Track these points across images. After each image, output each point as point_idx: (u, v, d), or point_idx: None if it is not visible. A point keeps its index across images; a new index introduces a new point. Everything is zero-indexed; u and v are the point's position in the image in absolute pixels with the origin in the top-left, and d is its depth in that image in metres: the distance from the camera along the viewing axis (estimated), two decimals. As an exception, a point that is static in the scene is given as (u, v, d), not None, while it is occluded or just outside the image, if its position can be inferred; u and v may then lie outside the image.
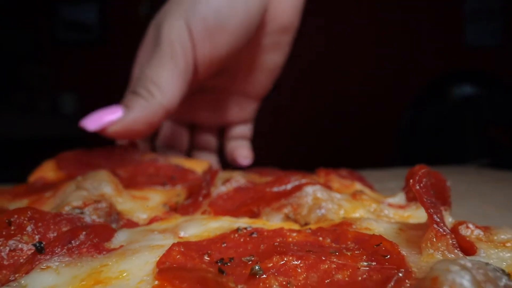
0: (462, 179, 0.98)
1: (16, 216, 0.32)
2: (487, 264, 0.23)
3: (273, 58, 0.75)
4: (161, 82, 0.61)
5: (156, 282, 0.26)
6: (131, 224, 0.41)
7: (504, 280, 0.21)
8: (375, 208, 0.45)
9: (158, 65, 0.61)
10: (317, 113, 3.80)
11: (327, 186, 0.51)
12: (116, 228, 0.37)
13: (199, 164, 0.66)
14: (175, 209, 0.48)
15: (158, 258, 0.29)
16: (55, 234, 0.32)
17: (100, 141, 0.63)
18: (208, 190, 0.48)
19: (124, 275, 0.28)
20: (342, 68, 3.81)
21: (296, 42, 0.77)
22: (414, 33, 3.83)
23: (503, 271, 0.23)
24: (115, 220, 0.40)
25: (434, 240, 0.28)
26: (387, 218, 0.44)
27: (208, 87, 0.76)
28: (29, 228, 0.32)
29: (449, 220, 0.40)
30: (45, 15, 3.67)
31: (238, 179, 0.51)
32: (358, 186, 0.58)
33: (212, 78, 0.72)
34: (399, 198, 0.50)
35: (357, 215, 0.43)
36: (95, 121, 0.60)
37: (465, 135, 2.89)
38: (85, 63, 3.69)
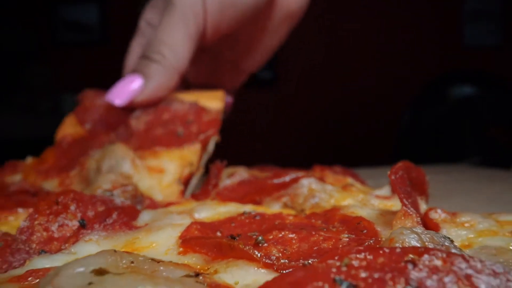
0: (456, 177, 1.03)
1: (62, 197, 0.39)
2: (436, 233, 0.29)
3: (271, 41, 0.79)
4: (172, 43, 0.64)
5: (181, 249, 0.33)
6: (153, 205, 0.48)
7: (446, 243, 0.28)
8: (362, 198, 0.52)
9: (170, 27, 0.64)
10: (317, 113, 3.84)
11: (321, 180, 0.57)
12: (140, 210, 0.44)
13: (214, 96, 0.68)
14: (188, 179, 0.55)
15: (179, 233, 0.36)
16: (92, 213, 0.39)
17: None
18: (216, 181, 0.54)
19: (153, 245, 0.35)
20: (342, 68, 3.85)
21: (296, 42, 0.82)
22: (413, 33, 3.86)
23: (448, 238, 0.29)
24: (139, 202, 0.47)
25: (403, 218, 0.35)
26: (372, 206, 0.51)
27: (209, 50, 0.79)
28: (72, 207, 0.39)
29: (423, 207, 0.46)
30: (45, 15, 3.66)
31: (242, 173, 0.59)
32: (350, 180, 0.64)
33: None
34: (385, 190, 0.57)
35: (345, 203, 0.50)
36: (120, 95, 0.62)
37: (464, 135, 2.93)
38: (85, 63, 3.66)
